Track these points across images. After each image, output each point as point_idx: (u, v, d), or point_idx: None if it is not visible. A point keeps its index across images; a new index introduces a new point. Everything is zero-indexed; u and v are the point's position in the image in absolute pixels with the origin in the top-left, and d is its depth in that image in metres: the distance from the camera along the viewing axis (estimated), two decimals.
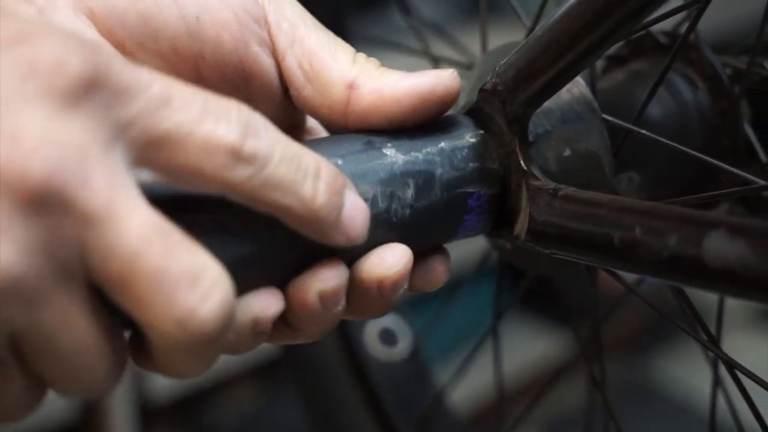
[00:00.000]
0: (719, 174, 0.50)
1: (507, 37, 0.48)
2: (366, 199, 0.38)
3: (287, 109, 0.42)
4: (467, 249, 0.76)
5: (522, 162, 0.42)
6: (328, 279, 0.36)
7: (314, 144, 0.38)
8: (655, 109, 0.50)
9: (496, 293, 0.59)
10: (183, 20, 0.38)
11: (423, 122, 0.41)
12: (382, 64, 0.41)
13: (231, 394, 1.56)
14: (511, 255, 0.48)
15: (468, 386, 1.14)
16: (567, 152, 0.43)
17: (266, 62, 0.40)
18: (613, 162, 0.44)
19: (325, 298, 0.36)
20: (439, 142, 0.41)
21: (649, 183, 0.51)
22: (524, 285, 0.61)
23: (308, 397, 0.77)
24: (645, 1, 0.36)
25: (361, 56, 0.41)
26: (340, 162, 0.38)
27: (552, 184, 0.41)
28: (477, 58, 0.51)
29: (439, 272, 0.41)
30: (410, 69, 0.41)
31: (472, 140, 0.42)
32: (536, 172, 0.42)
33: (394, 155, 0.39)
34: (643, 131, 0.44)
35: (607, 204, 0.38)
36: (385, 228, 0.39)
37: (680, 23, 0.54)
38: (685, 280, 0.34)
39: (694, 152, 0.44)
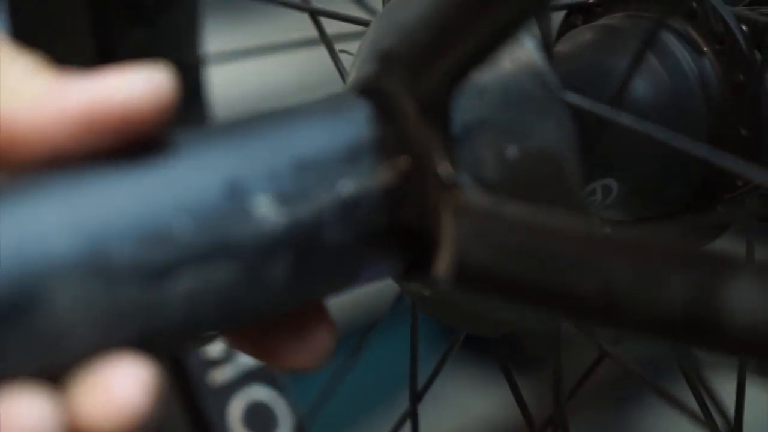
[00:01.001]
0: (734, 178, 0.49)
1: None
2: (212, 289, 0.36)
3: None
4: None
5: (443, 167, 0.40)
6: None
7: (124, 187, 0.36)
8: (640, 86, 0.50)
9: (411, 362, 0.58)
10: None
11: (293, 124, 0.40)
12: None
13: None
14: (430, 306, 0.46)
15: None
16: (511, 152, 0.41)
17: None
18: (582, 165, 0.42)
19: None
20: (341, 183, 0.39)
21: (632, 194, 0.51)
22: (451, 348, 0.60)
23: None
24: None
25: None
26: (182, 230, 0.35)
27: (489, 202, 0.39)
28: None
29: (319, 346, 0.41)
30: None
31: (390, 180, 0.40)
32: (464, 182, 0.40)
33: (268, 211, 0.37)
34: (624, 119, 0.43)
35: (578, 234, 0.36)
36: (225, 316, 0.38)
37: None
38: (698, 344, 0.34)
39: (697, 147, 0.44)
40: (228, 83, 0.89)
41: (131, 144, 0.36)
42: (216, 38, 0.85)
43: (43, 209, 0.34)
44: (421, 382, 0.61)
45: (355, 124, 0.41)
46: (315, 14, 0.62)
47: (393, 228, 0.40)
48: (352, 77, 0.46)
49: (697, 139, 0.50)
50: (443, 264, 0.40)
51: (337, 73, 0.59)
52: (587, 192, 0.48)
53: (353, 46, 0.52)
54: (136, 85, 0.37)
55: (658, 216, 0.53)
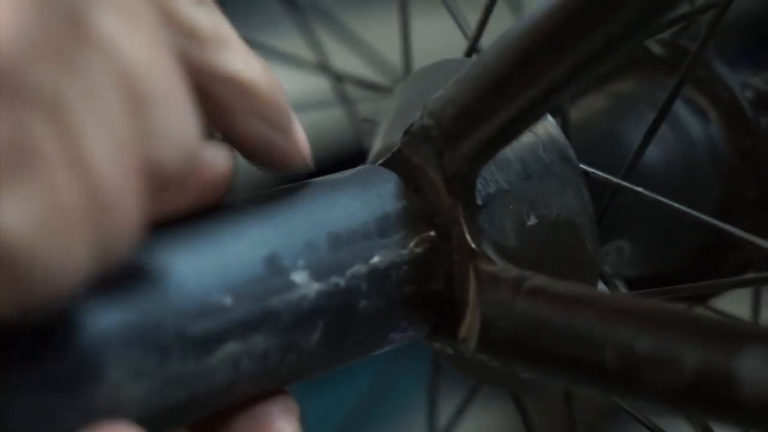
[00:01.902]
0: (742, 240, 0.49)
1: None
2: (253, 356, 0.37)
3: None
4: None
5: (468, 237, 0.41)
6: None
7: (172, 256, 0.36)
8: (651, 154, 0.49)
9: (430, 408, 0.59)
10: None
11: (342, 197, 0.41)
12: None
13: None
14: (453, 361, 0.47)
15: None
16: (532, 220, 0.42)
17: None
18: (597, 231, 0.43)
19: None
20: (373, 255, 0.40)
21: (644, 254, 0.51)
22: (468, 398, 0.60)
23: None
24: (649, 6, 0.34)
25: None
26: (227, 302, 0.36)
27: (513, 272, 0.39)
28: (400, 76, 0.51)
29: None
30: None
31: (418, 250, 0.41)
32: (488, 251, 0.41)
33: (305, 283, 0.38)
34: (639, 189, 0.43)
35: (595, 303, 0.37)
36: (261, 382, 0.38)
37: (680, 29, 0.53)
38: (711, 415, 0.34)
39: (704, 217, 0.43)
40: None
41: (188, 212, 0.37)
42: None
43: None
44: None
45: (386, 199, 0.41)
46: (338, 78, 0.61)
47: (421, 295, 0.41)
48: (378, 146, 0.46)
49: (706, 202, 0.49)
50: (467, 329, 0.41)
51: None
52: (601, 253, 0.48)
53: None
54: (226, 159, 0.38)
55: (670, 271, 0.53)
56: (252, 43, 0.44)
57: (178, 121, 0.32)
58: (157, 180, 0.32)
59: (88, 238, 0.30)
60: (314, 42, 0.66)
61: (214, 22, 0.38)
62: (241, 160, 0.40)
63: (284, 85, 0.40)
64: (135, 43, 0.31)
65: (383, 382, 1.26)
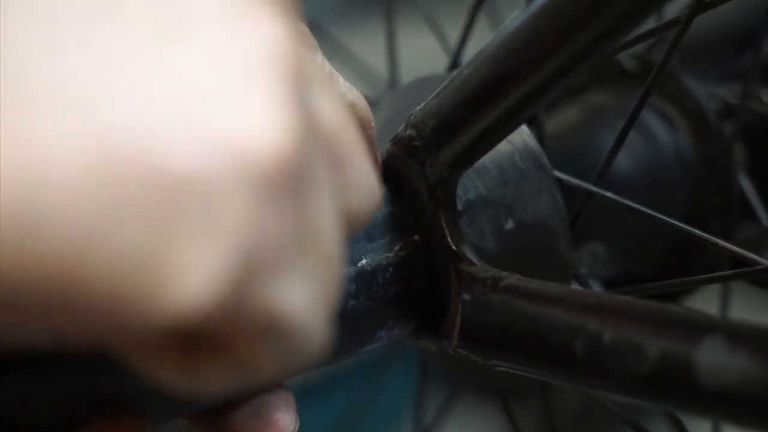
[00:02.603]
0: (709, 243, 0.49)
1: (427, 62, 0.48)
2: None
3: None
4: None
5: (449, 240, 0.42)
6: None
7: None
8: (622, 159, 0.51)
9: (416, 405, 0.58)
10: None
11: None
12: None
13: None
14: (437, 359, 0.48)
15: None
16: (509, 224, 0.43)
17: None
18: (571, 234, 0.44)
19: None
20: (360, 258, 0.41)
21: (617, 256, 0.52)
22: (449, 398, 0.60)
23: None
24: (617, 20, 0.35)
25: None
26: None
27: (490, 271, 0.41)
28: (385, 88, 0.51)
29: (279, 424, 0.40)
30: None
31: (402, 253, 0.42)
32: (468, 252, 0.42)
33: None
34: (609, 194, 0.44)
35: (566, 299, 0.38)
36: None
37: (651, 45, 0.54)
38: (671, 402, 0.35)
39: (673, 221, 0.44)
40: None
41: None
42: None
43: None
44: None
45: (394, 229, 0.43)
46: None
47: (406, 295, 0.42)
48: None
49: (674, 206, 0.50)
50: (449, 326, 0.42)
51: None
52: (576, 256, 0.49)
53: None
54: None
55: (643, 272, 0.54)
56: None
57: (365, 171, 0.32)
58: (353, 227, 0.32)
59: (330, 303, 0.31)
60: None
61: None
62: None
63: None
64: (327, 108, 0.31)
65: (372, 385, 1.25)
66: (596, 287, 0.51)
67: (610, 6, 0.35)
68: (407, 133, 0.42)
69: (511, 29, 0.38)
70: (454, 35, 0.52)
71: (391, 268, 0.42)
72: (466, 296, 0.41)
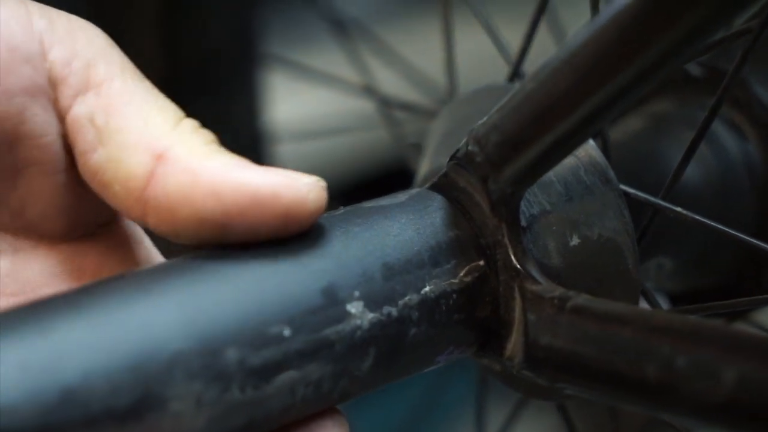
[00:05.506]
0: None
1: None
2: (308, 383, 0.38)
3: (81, 193, 0.40)
4: None
5: (513, 258, 0.41)
6: None
7: (236, 289, 0.37)
8: (690, 171, 0.49)
9: (478, 420, 0.58)
10: None
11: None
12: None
13: None
14: (500, 376, 0.47)
15: None
16: (574, 240, 0.43)
17: (41, 118, 0.38)
18: (638, 249, 0.44)
19: None
20: (425, 284, 0.41)
21: (684, 269, 0.51)
22: (514, 412, 0.60)
23: None
24: (690, 32, 0.34)
25: (189, 124, 0.39)
26: (286, 333, 0.37)
27: (557, 291, 0.40)
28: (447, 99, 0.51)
29: None
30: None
31: (467, 279, 0.42)
32: (533, 271, 0.41)
33: (359, 313, 0.39)
34: (678, 209, 0.44)
35: (636, 321, 0.37)
36: (314, 405, 0.39)
37: (717, 50, 0.53)
38: (751, 429, 0.34)
39: (741, 236, 0.44)
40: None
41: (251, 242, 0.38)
42: (281, 105, 0.83)
43: (160, 309, 0.36)
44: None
45: (439, 228, 0.42)
46: (384, 103, 0.61)
47: (469, 321, 0.42)
48: (425, 168, 0.47)
49: (743, 218, 0.50)
50: (513, 347, 0.41)
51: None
52: (643, 270, 0.47)
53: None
54: (303, 188, 0.38)
55: (712, 285, 0.53)
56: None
57: None
58: None
59: None
60: (359, 64, 0.66)
61: None
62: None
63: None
64: None
65: (433, 394, 1.26)
66: (663, 302, 0.51)
67: (682, 18, 0.34)
68: (469, 148, 0.42)
69: (578, 43, 0.37)
70: (506, 33, 0.51)
71: (455, 295, 0.41)
72: (532, 317, 0.40)
